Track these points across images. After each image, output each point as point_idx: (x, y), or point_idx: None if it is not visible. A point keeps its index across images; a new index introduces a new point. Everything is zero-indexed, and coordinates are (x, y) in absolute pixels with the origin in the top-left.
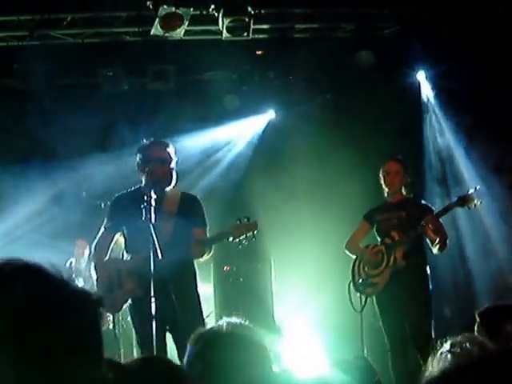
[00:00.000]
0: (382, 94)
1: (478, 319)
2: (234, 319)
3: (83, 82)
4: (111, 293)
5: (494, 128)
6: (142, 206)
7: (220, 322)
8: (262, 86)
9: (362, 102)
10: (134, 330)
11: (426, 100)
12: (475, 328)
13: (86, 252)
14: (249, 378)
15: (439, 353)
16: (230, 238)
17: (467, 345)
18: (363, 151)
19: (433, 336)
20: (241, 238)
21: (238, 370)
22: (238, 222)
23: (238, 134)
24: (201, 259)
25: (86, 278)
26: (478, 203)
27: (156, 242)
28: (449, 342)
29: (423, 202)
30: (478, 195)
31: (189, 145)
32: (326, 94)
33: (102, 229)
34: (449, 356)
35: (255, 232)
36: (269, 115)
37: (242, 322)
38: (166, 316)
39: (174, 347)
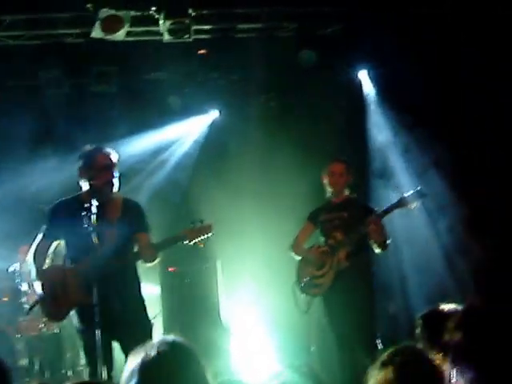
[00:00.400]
0: (324, 93)
1: (419, 323)
2: (169, 338)
3: (24, 84)
4: (56, 300)
5: (431, 128)
6: (83, 213)
7: (155, 346)
8: (205, 87)
9: (305, 101)
10: (80, 337)
11: (367, 99)
12: (417, 331)
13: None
14: None
15: (380, 362)
16: (185, 241)
17: (406, 355)
18: (307, 150)
19: (377, 335)
20: (196, 240)
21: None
22: (192, 224)
23: (183, 135)
24: (152, 263)
25: (29, 282)
26: (418, 204)
27: (99, 249)
28: (389, 351)
29: (365, 202)
30: (418, 196)
31: (132, 147)
32: (270, 93)
33: (40, 235)
34: (389, 367)
35: (210, 234)
36: (213, 115)
37: (178, 341)
38: (112, 323)
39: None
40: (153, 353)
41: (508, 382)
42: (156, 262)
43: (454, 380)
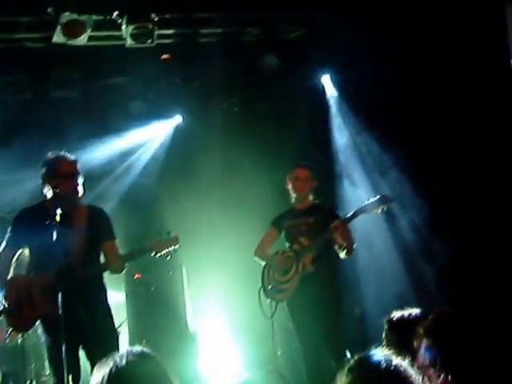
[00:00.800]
0: (287, 97)
1: (386, 327)
2: (137, 349)
3: None
4: (21, 311)
5: (392, 130)
6: (48, 221)
7: (123, 357)
8: (168, 92)
9: (267, 106)
10: (45, 347)
11: (330, 103)
12: (383, 334)
13: None
14: None
15: (347, 368)
16: (152, 253)
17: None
18: (271, 154)
19: (344, 338)
20: (162, 252)
21: None
22: (159, 237)
23: (147, 140)
24: (118, 274)
25: None
26: (385, 209)
27: (65, 258)
28: (356, 358)
29: (330, 207)
30: (384, 201)
31: (96, 152)
32: (232, 98)
33: (4, 244)
34: (355, 373)
35: (176, 246)
36: (176, 120)
37: (146, 352)
38: (78, 332)
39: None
40: (121, 363)
41: None
42: (123, 272)
43: None
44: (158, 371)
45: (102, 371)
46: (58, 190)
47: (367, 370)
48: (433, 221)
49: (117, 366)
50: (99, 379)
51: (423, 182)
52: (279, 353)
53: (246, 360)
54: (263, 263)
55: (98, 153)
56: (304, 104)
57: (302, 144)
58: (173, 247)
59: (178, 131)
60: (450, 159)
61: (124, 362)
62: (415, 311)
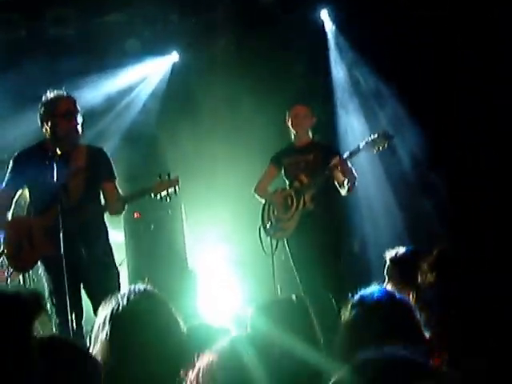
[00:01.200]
0: (286, 33)
1: (389, 264)
2: (139, 287)
3: None
4: (21, 252)
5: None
6: (47, 161)
7: (125, 296)
8: (164, 29)
9: (266, 43)
10: (46, 287)
11: (329, 38)
12: (385, 271)
13: None
14: (165, 348)
15: (350, 305)
16: (152, 195)
17: (377, 297)
18: (271, 91)
19: (344, 275)
20: (162, 194)
21: (151, 344)
22: (159, 178)
23: (144, 78)
24: (117, 215)
25: None
26: (386, 146)
27: (64, 199)
28: (359, 294)
29: (330, 144)
30: (384, 138)
31: (94, 91)
32: (230, 35)
33: (3, 185)
34: (359, 309)
35: (177, 188)
36: (173, 57)
37: (149, 289)
38: (79, 271)
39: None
40: (123, 302)
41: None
42: (122, 213)
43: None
44: (161, 308)
45: (104, 311)
46: (56, 130)
47: (370, 305)
48: (431, 154)
49: (119, 305)
50: (102, 318)
51: (421, 114)
52: (279, 289)
53: (245, 296)
54: (263, 201)
55: (96, 91)
56: (303, 39)
57: (301, 79)
58: (173, 189)
59: (175, 68)
60: (448, 92)
61: (126, 300)
62: (417, 248)
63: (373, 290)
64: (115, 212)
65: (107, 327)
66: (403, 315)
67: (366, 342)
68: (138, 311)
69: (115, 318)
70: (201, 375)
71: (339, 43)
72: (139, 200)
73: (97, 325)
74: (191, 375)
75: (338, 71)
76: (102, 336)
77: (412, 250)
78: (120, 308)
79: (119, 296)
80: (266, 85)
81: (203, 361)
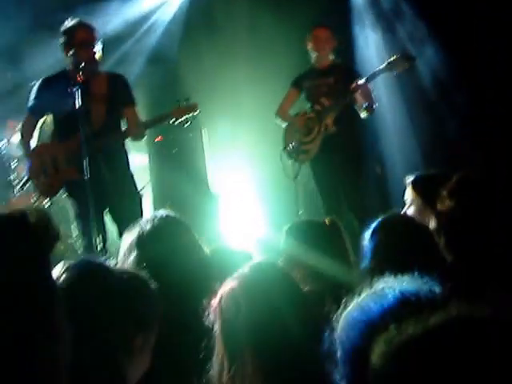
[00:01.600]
0: None
1: (409, 187)
2: (162, 213)
3: None
4: (46, 177)
5: None
6: (70, 88)
7: (149, 221)
8: None
9: None
10: (72, 211)
11: None
12: (405, 195)
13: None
14: (188, 271)
15: (371, 230)
16: (171, 121)
17: (396, 223)
18: (290, 13)
19: (366, 197)
20: (181, 119)
21: (175, 268)
22: (178, 103)
23: (164, 2)
24: (139, 141)
25: (17, 157)
26: (407, 67)
27: (87, 125)
28: (380, 219)
29: (351, 66)
30: (406, 59)
31: (114, 17)
32: None
33: (27, 113)
34: (380, 233)
35: (195, 113)
36: None
37: (171, 215)
38: (103, 195)
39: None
40: (147, 227)
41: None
42: (143, 139)
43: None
44: (183, 233)
45: (129, 237)
46: (75, 59)
47: (390, 229)
48: (454, 73)
49: (143, 231)
50: (128, 244)
51: (443, 29)
52: (300, 212)
53: (268, 220)
54: (284, 124)
55: (117, 16)
56: None
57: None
58: (191, 114)
59: None
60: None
61: (150, 226)
62: (438, 171)
63: (392, 214)
64: (136, 137)
65: (134, 252)
66: (422, 239)
67: (386, 265)
68: (161, 236)
69: (140, 244)
70: (224, 301)
71: None
72: (159, 125)
73: (122, 251)
74: (214, 301)
75: None
76: (129, 261)
77: (433, 173)
78: (144, 234)
79: (143, 222)
80: (287, 5)
81: (226, 287)
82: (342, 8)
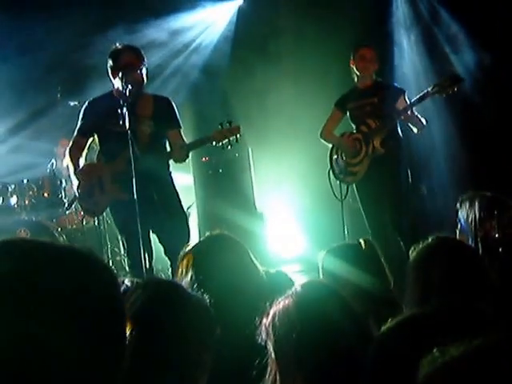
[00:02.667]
0: None
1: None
2: (217, 233)
3: None
4: (92, 197)
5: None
6: (117, 111)
7: (204, 241)
8: None
9: None
10: (117, 229)
11: None
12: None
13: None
14: (244, 291)
15: (425, 245)
16: (213, 143)
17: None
18: (336, 32)
19: (412, 219)
20: (223, 142)
21: (231, 286)
22: (220, 126)
23: (210, 22)
24: (183, 162)
25: (66, 177)
26: (455, 89)
27: (133, 146)
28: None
29: (393, 84)
30: (454, 81)
31: (161, 36)
32: None
33: (76, 133)
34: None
35: (238, 136)
36: (237, 2)
37: (223, 233)
38: (149, 216)
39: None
40: (203, 246)
41: None
42: (186, 161)
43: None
44: (240, 252)
45: (186, 255)
46: (122, 82)
47: (435, 250)
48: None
49: (200, 250)
50: (184, 263)
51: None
52: (346, 232)
53: (314, 240)
54: (330, 145)
55: (164, 35)
56: None
57: (364, 23)
58: (233, 137)
59: (240, 13)
60: None
61: (205, 245)
62: (493, 195)
63: (446, 236)
64: (179, 159)
65: (190, 271)
66: (473, 264)
67: (429, 286)
68: (217, 255)
69: (196, 263)
70: (277, 319)
71: None
72: (201, 147)
73: (180, 270)
74: (267, 319)
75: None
76: (186, 280)
77: (488, 197)
78: (201, 253)
79: (199, 241)
80: (332, 24)
81: (279, 305)
82: (384, 25)
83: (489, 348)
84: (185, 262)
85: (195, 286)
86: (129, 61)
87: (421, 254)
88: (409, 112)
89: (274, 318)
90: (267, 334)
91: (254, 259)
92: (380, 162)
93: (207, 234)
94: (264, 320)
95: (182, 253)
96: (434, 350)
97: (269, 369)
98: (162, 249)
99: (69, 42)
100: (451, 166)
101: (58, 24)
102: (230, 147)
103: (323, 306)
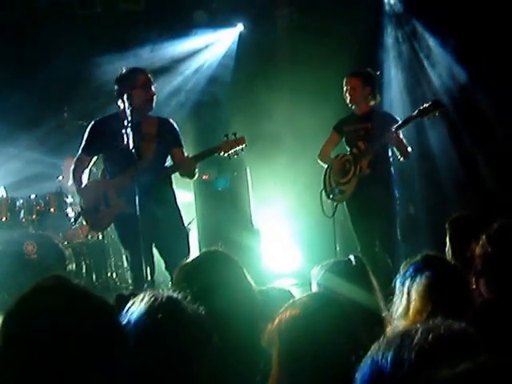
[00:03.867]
0: (344, 5)
1: (448, 227)
2: (212, 248)
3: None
4: (98, 212)
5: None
6: (123, 130)
7: (199, 257)
8: (229, 2)
9: (327, 13)
10: (121, 244)
11: (385, 10)
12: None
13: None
14: (232, 291)
15: (404, 271)
16: (220, 154)
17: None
18: (331, 58)
19: (398, 237)
20: (229, 152)
21: (221, 286)
22: (225, 137)
23: (212, 47)
24: (193, 177)
25: (73, 194)
26: (436, 114)
27: (138, 163)
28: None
29: (389, 112)
30: (436, 107)
31: (163, 60)
32: (292, 6)
33: (80, 152)
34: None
35: (243, 146)
36: (238, 28)
37: (219, 249)
38: (152, 231)
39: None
40: (197, 261)
41: None
42: (196, 176)
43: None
44: (233, 268)
45: (180, 270)
46: (133, 101)
47: (432, 267)
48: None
49: (193, 264)
50: (177, 277)
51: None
52: (337, 248)
53: (307, 255)
54: (325, 165)
55: (166, 60)
56: (360, 11)
57: (359, 48)
58: (240, 147)
59: (241, 39)
60: None
61: (199, 260)
62: (477, 214)
63: (430, 254)
64: (187, 171)
65: (182, 285)
66: (456, 280)
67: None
68: (210, 270)
69: (189, 278)
70: (284, 327)
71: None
72: (208, 158)
73: (174, 283)
74: (272, 326)
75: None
76: (182, 293)
77: (472, 216)
78: (193, 268)
79: (193, 257)
80: (325, 51)
81: (286, 313)
82: (376, 51)
83: (476, 372)
84: (181, 275)
85: (189, 298)
86: (143, 80)
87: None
88: (395, 135)
89: (279, 326)
90: (272, 340)
91: (247, 275)
92: (367, 181)
93: (203, 250)
94: (270, 326)
95: (178, 267)
96: (423, 371)
97: (271, 375)
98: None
99: (76, 64)
100: (438, 186)
101: (65, 46)
102: (236, 157)
103: (330, 318)
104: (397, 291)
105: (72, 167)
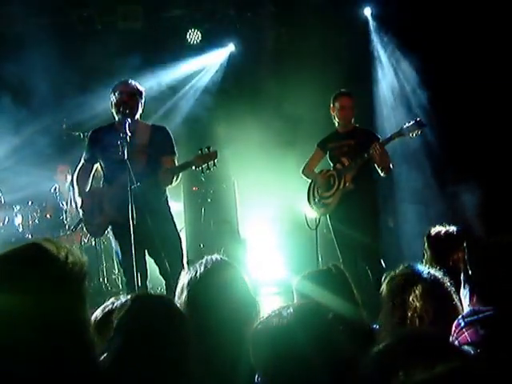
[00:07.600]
0: (332, 27)
1: (426, 242)
2: (214, 256)
3: (58, 22)
4: (94, 219)
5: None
6: (117, 141)
7: (202, 264)
8: (222, 23)
9: (314, 35)
10: (114, 250)
11: (372, 34)
12: (424, 249)
13: (68, 176)
14: (235, 298)
15: (386, 282)
16: (193, 167)
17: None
18: (318, 79)
19: (379, 249)
20: (202, 166)
21: (222, 292)
22: (200, 151)
23: (204, 66)
24: (170, 185)
25: (68, 201)
26: (418, 133)
27: (131, 172)
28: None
29: (370, 130)
30: (418, 126)
31: (156, 79)
32: (281, 28)
33: (82, 160)
34: (392, 284)
35: (215, 160)
36: (229, 48)
37: (220, 257)
38: (145, 238)
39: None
40: (201, 269)
41: None
42: (174, 184)
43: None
44: (235, 275)
45: (184, 278)
46: (121, 111)
47: (411, 278)
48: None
49: (196, 272)
50: (181, 285)
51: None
52: (320, 260)
53: (290, 265)
54: (309, 181)
55: (159, 79)
56: (347, 33)
57: (345, 71)
58: (212, 161)
59: (231, 58)
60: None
61: (203, 267)
62: (454, 229)
63: (414, 265)
64: (165, 183)
65: (185, 292)
66: (440, 293)
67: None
68: (213, 277)
69: (193, 285)
70: (276, 336)
71: (381, 42)
72: (183, 171)
73: (177, 290)
74: (256, 336)
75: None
76: (182, 300)
77: (449, 231)
78: (197, 275)
79: (197, 264)
80: (314, 72)
81: (272, 321)
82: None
83: (447, 375)
84: (181, 283)
85: (190, 303)
86: (125, 91)
87: (396, 282)
88: (380, 151)
89: (274, 330)
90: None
91: (246, 281)
92: (350, 196)
93: (205, 258)
94: (255, 336)
95: (181, 273)
96: (400, 374)
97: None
98: (157, 269)
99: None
100: (417, 200)
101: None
102: (208, 171)
103: (323, 326)
104: (386, 302)
105: (75, 174)
